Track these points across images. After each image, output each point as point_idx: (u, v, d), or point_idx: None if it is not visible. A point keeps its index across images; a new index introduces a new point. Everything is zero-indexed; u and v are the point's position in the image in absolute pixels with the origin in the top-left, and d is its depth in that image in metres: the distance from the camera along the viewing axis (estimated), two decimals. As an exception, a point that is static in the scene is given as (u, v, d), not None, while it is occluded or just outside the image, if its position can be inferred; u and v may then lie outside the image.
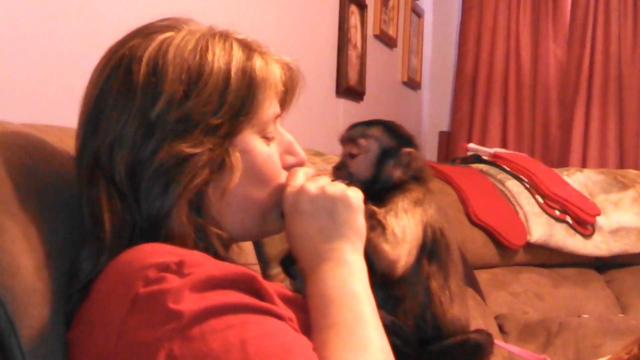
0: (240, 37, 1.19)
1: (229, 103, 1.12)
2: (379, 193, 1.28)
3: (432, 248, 1.32)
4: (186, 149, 1.08)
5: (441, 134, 5.55)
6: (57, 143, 1.22)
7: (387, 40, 4.54)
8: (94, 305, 1.02)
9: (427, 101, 5.65)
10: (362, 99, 4.14)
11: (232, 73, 1.13)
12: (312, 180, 1.17)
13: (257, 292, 1.00)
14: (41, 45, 1.82)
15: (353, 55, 3.90)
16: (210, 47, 1.14)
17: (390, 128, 1.41)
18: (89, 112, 1.12)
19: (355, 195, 1.16)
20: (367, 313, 1.04)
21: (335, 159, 2.26)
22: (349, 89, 3.87)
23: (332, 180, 1.19)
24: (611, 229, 3.53)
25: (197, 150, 1.08)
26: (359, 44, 3.99)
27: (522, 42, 5.34)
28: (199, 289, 0.95)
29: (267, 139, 1.18)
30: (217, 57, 1.13)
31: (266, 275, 1.66)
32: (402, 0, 4.78)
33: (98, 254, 1.08)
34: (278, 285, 1.22)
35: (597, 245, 3.45)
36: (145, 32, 1.15)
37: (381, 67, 4.51)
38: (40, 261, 1.07)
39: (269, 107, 1.17)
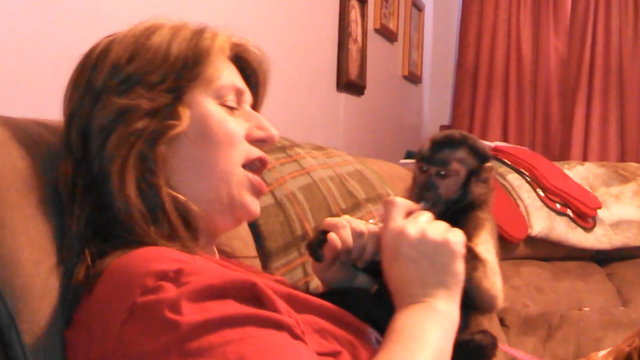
0: (202, 25, 1.23)
1: (170, 62, 1.15)
2: (454, 214, 1.28)
3: None
4: (124, 100, 1.11)
5: (442, 128, 5.55)
6: (57, 138, 1.22)
7: (388, 35, 4.54)
8: (92, 309, 1.01)
9: (427, 95, 5.65)
10: (362, 93, 4.14)
11: (177, 39, 1.17)
12: (413, 221, 1.14)
13: (259, 299, 0.98)
14: (51, 42, 1.82)
15: (353, 49, 3.90)
16: (159, 28, 1.18)
17: (473, 147, 1.40)
18: (64, 110, 1.18)
19: (457, 240, 1.13)
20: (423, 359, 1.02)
21: (337, 153, 2.27)
22: (350, 83, 3.87)
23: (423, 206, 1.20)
24: (612, 222, 3.53)
25: (133, 102, 1.11)
26: (359, 38, 3.99)
27: (522, 36, 5.34)
28: (196, 299, 0.94)
29: (228, 107, 1.19)
30: (165, 31, 1.18)
31: (267, 269, 1.66)
32: (402, -6, 4.78)
33: (68, 231, 1.09)
34: (280, 280, 1.21)
35: (598, 239, 3.45)
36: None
37: (382, 62, 4.51)
38: (39, 256, 1.07)
39: (219, 70, 1.19)
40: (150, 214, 1.09)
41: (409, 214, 1.18)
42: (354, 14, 3.89)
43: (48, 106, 1.41)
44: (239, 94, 1.22)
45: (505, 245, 3.20)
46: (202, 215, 1.16)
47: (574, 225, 3.39)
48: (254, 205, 1.23)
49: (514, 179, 3.39)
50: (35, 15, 1.81)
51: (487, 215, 1.35)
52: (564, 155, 5.10)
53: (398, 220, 1.15)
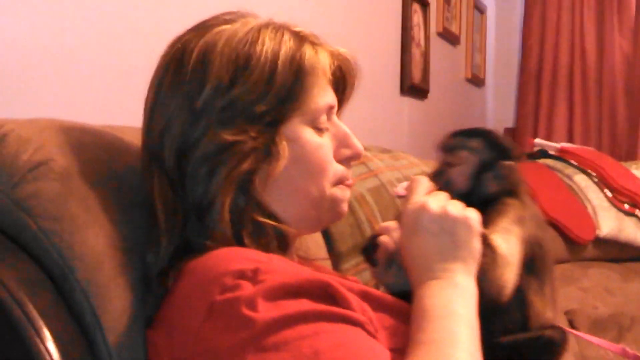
0: (296, 29, 1.20)
1: (274, 91, 1.12)
2: (474, 206, 1.28)
3: (530, 263, 1.31)
4: (228, 136, 1.09)
5: (506, 130, 5.51)
6: (135, 143, 1.25)
7: (450, 38, 4.53)
8: (173, 308, 1.04)
9: (491, 98, 5.61)
10: (426, 97, 4.14)
11: (280, 61, 1.13)
12: (434, 198, 1.16)
13: (333, 297, 1.00)
14: (120, 50, 1.87)
15: (416, 53, 3.90)
16: (260, 37, 1.14)
17: (490, 139, 1.39)
18: (148, 104, 1.16)
19: (475, 217, 1.15)
20: (463, 335, 1.02)
21: (404, 156, 2.28)
22: (413, 87, 3.87)
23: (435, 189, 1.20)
24: (681, 223, 3.47)
25: (239, 138, 1.10)
26: (422, 42, 3.99)
27: (586, 35, 5.28)
28: (272, 297, 0.96)
29: (319, 129, 1.18)
30: (265, 46, 1.13)
31: (338, 270, 1.67)
32: (464, -3, 4.77)
33: (157, 242, 1.10)
34: (352, 280, 1.22)
35: (668, 239, 3.40)
36: (203, 26, 1.17)
37: (445, 65, 4.50)
38: (120, 256, 1.10)
39: (318, 95, 1.17)
40: (247, 238, 1.11)
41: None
42: (417, 18, 3.90)
43: (123, 113, 1.45)
44: (330, 110, 1.21)
45: (573, 247, 3.17)
46: (293, 231, 1.18)
47: (643, 225, 3.35)
48: (343, 212, 1.25)
49: (581, 180, 3.36)
50: (109, 24, 1.86)
51: (515, 201, 1.33)
52: (631, 155, 5.02)
53: (420, 196, 1.17)
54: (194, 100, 1.11)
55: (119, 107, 1.82)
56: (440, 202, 1.15)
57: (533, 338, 1.29)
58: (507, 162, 1.34)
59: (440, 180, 1.35)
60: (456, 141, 1.37)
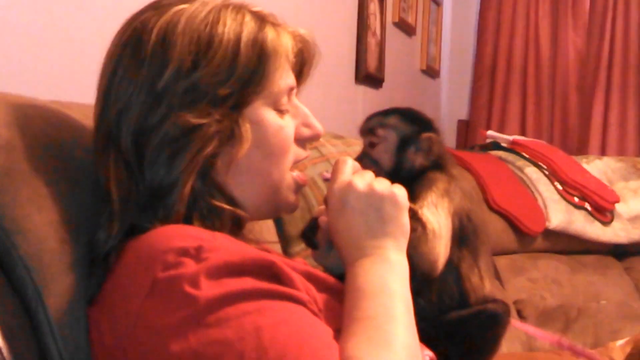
0: (255, 9, 1.19)
1: (238, 74, 1.11)
2: (403, 183, 1.29)
3: (460, 235, 1.32)
4: (193, 119, 1.08)
5: (460, 122, 5.55)
6: (83, 120, 1.23)
7: (406, 28, 4.54)
8: (115, 286, 1.03)
9: (445, 89, 5.64)
10: (381, 86, 4.14)
11: (242, 44, 1.12)
12: (360, 176, 1.16)
13: (277, 276, 0.99)
14: (65, 24, 1.84)
15: (372, 42, 3.90)
16: (221, 18, 1.13)
17: (407, 115, 1.40)
18: (103, 83, 1.13)
19: (402, 193, 1.15)
20: (398, 310, 1.03)
21: (356, 142, 2.28)
22: (368, 76, 3.88)
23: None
24: (630, 217, 3.52)
25: (203, 121, 1.09)
26: (378, 32, 3.99)
27: (541, 31, 5.33)
28: (214, 275, 0.95)
29: (280, 111, 1.18)
30: (227, 27, 1.12)
31: (287, 254, 1.67)
32: (421, -12, 4.78)
33: (109, 223, 1.08)
34: (300, 262, 1.22)
35: (616, 233, 3.44)
36: (160, 5, 1.15)
37: (400, 55, 4.51)
38: (64, 232, 1.09)
39: (281, 78, 1.17)
40: (201, 223, 1.10)
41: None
42: (373, 7, 3.90)
43: (69, 89, 1.43)
44: (290, 92, 1.20)
45: (523, 238, 3.20)
46: (248, 216, 1.17)
47: (591, 219, 3.38)
48: (296, 201, 1.25)
49: (532, 172, 3.38)
50: None
51: (441, 174, 1.34)
52: (582, 149, 5.09)
53: (347, 175, 1.16)
54: (154, 83, 1.09)
55: (65, 82, 1.79)
56: (366, 180, 1.15)
57: (476, 313, 1.30)
58: (427, 134, 1.36)
59: (366, 161, 1.36)
60: (374, 121, 1.39)
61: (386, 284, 1.06)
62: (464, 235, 1.32)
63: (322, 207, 1.31)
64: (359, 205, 1.13)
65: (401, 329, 1.00)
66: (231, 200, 1.14)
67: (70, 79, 1.80)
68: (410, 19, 4.57)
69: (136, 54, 1.11)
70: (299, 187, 1.24)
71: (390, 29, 4.27)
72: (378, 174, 1.19)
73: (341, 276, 1.19)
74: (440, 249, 1.25)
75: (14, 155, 1.07)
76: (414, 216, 1.21)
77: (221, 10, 1.14)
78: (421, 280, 1.23)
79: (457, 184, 1.35)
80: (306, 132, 1.23)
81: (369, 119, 1.42)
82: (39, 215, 1.06)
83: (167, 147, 1.08)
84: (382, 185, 1.14)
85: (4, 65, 1.67)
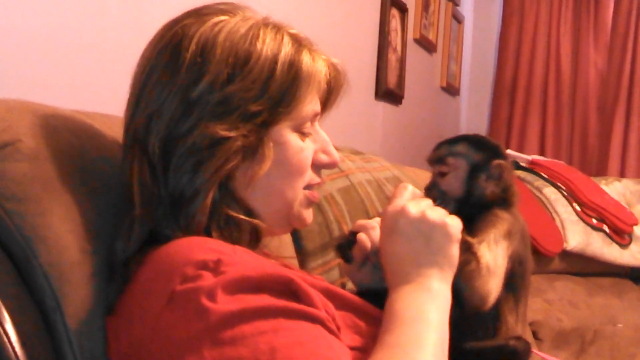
0: (292, 31, 1.19)
1: (270, 93, 1.12)
2: (470, 212, 1.28)
3: (510, 279, 1.31)
4: (221, 131, 1.09)
5: (478, 140, 5.53)
6: (106, 130, 1.24)
7: (427, 45, 4.54)
8: (134, 296, 1.04)
9: (465, 107, 5.63)
10: (400, 103, 4.14)
11: (279, 64, 1.13)
12: (415, 202, 1.16)
13: (295, 293, 0.99)
14: (90, 34, 1.85)
15: (393, 58, 3.91)
16: (261, 35, 1.14)
17: (475, 142, 1.38)
18: (136, 86, 1.14)
19: (455, 224, 1.15)
20: (430, 340, 1.02)
21: (375, 159, 2.28)
22: (388, 92, 3.88)
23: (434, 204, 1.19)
24: (649, 240, 3.51)
25: (232, 134, 1.09)
26: (398, 48, 4.00)
27: (562, 50, 5.31)
28: (232, 290, 0.95)
29: (302, 134, 1.18)
30: (266, 45, 1.13)
31: (304, 269, 1.67)
32: (442, 6, 4.78)
33: (130, 229, 1.09)
34: (319, 279, 1.22)
35: (633, 255, 3.43)
36: (200, 13, 1.16)
37: (420, 72, 4.51)
38: (84, 242, 1.09)
39: (310, 103, 1.17)
40: (219, 233, 1.11)
41: None
42: (394, 23, 3.90)
43: (94, 99, 1.44)
44: (314, 117, 1.21)
45: (540, 259, 3.19)
46: (265, 226, 1.18)
47: (609, 241, 3.37)
48: (309, 216, 1.25)
49: (550, 192, 3.37)
50: (85, 11, 1.84)
51: (508, 215, 1.33)
52: (601, 170, 5.06)
53: (403, 199, 1.17)
54: (188, 91, 1.09)
55: (89, 92, 1.80)
56: (420, 207, 1.15)
57: (498, 346, 1.30)
58: (497, 161, 1.35)
59: (434, 191, 1.35)
60: (442, 150, 1.38)
61: (423, 313, 1.06)
62: (512, 280, 1.31)
63: (361, 221, 1.31)
64: (409, 231, 1.13)
65: (428, 359, 1.00)
66: (249, 212, 1.14)
67: (93, 89, 1.81)
68: (431, 36, 4.57)
69: (174, 60, 1.11)
70: (310, 204, 1.24)
71: (411, 46, 4.27)
72: (447, 203, 1.19)
73: (368, 292, 1.19)
74: (493, 286, 1.24)
75: (37, 164, 1.08)
76: (469, 249, 1.21)
77: (261, 28, 1.15)
78: (470, 314, 1.23)
79: (519, 227, 1.34)
80: (324, 158, 1.23)
81: (438, 147, 1.40)
82: (60, 224, 1.07)
83: (193, 156, 1.09)
84: (436, 213, 1.14)
85: (29, 74, 1.68)
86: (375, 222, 1.30)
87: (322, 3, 3.20)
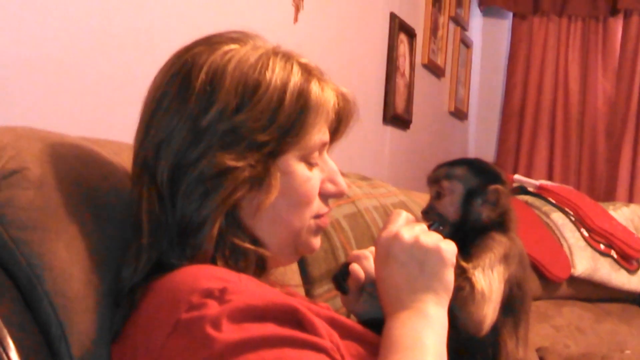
0: (302, 60, 1.19)
1: (279, 122, 1.12)
2: (467, 235, 1.28)
3: (508, 302, 1.31)
4: (229, 161, 1.09)
5: (487, 165, 5.52)
6: (113, 157, 1.25)
7: (435, 70, 4.55)
8: (139, 324, 1.04)
9: (473, 132, 5.63)
10: (408, 128, 4.15)
11: (288, 93, 1.13)
12: (408, 227, 1.16)
13: (300, 322, 0.99)
14: (96, 60, 1.86)
15: (401, 83, 3.92)
16: (270, 65, 1.14)
17: (474, 166, 1.39)
18: (146, 113, 1.14)
19: (449, 248, 1.15)
20: None
21: (382, 185, 2.29)
22: (396, 117, 3.89)
23: (428, 227, 1.19)
24: (657, 265, 3.49)
25: (239, 164, 1.09)
26: (407, 73, 4.01)
27: (570, 76, 5.31)
28: (237, 318, 0.96)
29: (309, 164, 1.18)
30: (275, 75, 1.13)
31: (310, 295, 1.67)
32: (451, 31, 4.80)
33: (137, 257, 1.09)
34: (324, 307, 1.22)
35: (642, 281, 3.42)
36: (211, 42, 1.16)
37: (428, 97, 4.52)
38: (90, 270, 1.09)
39: (318, 133, 1.17)
40: (225, 262, 1.11)
41: None
42: (403, 48, 3.92)
43: (103, 126, 1.45)
44: (323, 147, 1.21)
45: (548, 285, 3.18)
46: (272, 255, 1.18)
47: (617, 266, 3.36)
48: (317, 242, 1.25)
49: (558, 218, 3.37)
50: (92, 37, 1.86)
51: (504, 239, 1.33)
52: (609, 196, 5.05)
53: (397, 225, 1.17)
54: (198, 119, 1.10)
55: (95, 119, 1.81)
56: (413, 232, 1.15)
57: None
58: (494, 186, 1.35)
59: (432, 214, 1.35)
60: (441, 172, 1.38)
61: (420, 339, 1.06)
62: (511, 304, 1.31)
63: (355, 252, 1.31)
64: (402, 257, 1.13)
65: None
66: (255, 241, 1.14)
67: (100, 116, 1.82)
68: (439, 61, 4.58)
69: (184, 88, 1.11)
70: (319, 231, 1.24)
71: (419, 71, 4.29)
72: (443, 226, 1.19)
73: (369, 322, 1.19)
74: (488, 311, 1.24)
75: (43, 192, 1.08)
76: (462, 274, 1.21)
77: (271, 57, 1.15)
78: (465, 339, 1.23)
79: (516, 250, 1.34)
80: (331, 188, 1.23)
81: (437, 169, 1.41)
82: (66, 252, 1.07)
83: (201, 185, 1.09)
84: (429, 238, 1.14)
85: (35, 101, 1.69)
86: (369, 252, 1.31)
87: (332, 29, 3.22)
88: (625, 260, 3.39)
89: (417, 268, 1.12)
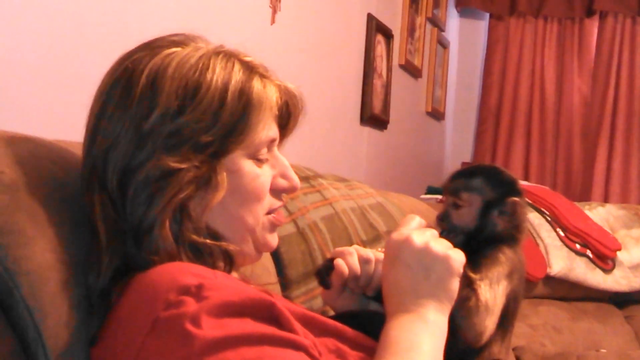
0: (246, 58, 1.20)
1: (221, 123, 1.13)
2: (478, 244, 1.28)
3: (503, 314, 1.32)
4: (173, 163, 1.09)
5: (464, 164, 5.55)
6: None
7: (412, 71, 4.57)
8: (117, 324, 1.04)
9: (450, 132, 5.66)
10: (385, 128, 4.16)
11: (229, 93, 1.13)
12: (420, 232, 1.17)
13: (276, 318, 1.00)
14: (72, 62, 1.85)
15: (378, 84, 3.93)
16: (211, 65, 1.14)
17: (491, 177, 1.39)
18: (92, 120, 1.15)
19: (457, 257, 1.16)
20: None
21: (359, 186, 2.29)
22: (373, 118, 3.90)
23: (439, 234, 1.20)
24: (632, 265, 3.51)
25: (183, 166, 1.09)
26: (384, 73, 4.02)
27: (546, 76, 5.35)
28: (215, 314, 0.96)
29: (258, 160, 1.19)
30: (216, 75, 1.14)
31: (287, 297, 1.67)
32: (428, 31, 4.81)
33: (98, 262, 1.09)
34: (297, 306, 1.23)
35: (617, 280, 3.43)
36: (152, 46, 1.17)
37: (406, 97, 4.54)
38: (66, 273, 1.09)
39: (263, 130, 1.17)
40: (188, 251, 1.12)
41: None
42: (380, 49, 3.93)
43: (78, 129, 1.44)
44: (271, 143, 1.21)
45: (524, 284, 3.18)
46: (237, 248, 1.18)
47: (593, 266, 3.37)
48: (274, 240, 1.26)
49: (534, 218, 3.38)
50: (66, 40, 1.85)
51: (513, 254, 1.34)
52: (584, 196, 5.09)
53: (408, 229, 1.18)
54: (141, 123, 1.10)
55: (71, 121, 1.81)
56: (424, 237, 1.16)
57: None
58: (512, 199, 1.35)
59: (447, 222, 1.36)
60: (458, 183, 1.38)
61: (417, 343, 1.07)
62: (504, 316, 1.32)
63: (340, 248, 1.32)
64: (410, 261, 1.14)
65: None
66: (215, 237, 1.15)
67: (76, 118, 1.81)
68: (416, 62, 4.60)
69: (126, 94, 1.12)
70: (275, 227, 1.25)
71: (397, 71, 4.30)
72: (456, 234, 1.19)
73: (346, 315, 1.20)
74: (489, 324, 1.25)
75: (18, 196, 1.08)
76: (470, 285, 1.22)
77: (211, 58, 1.16)
78: (463, 348, 1.24)
79: (520, 265, 1.35)
80: (283, 183, 1.24)
81: (454, 178, 1.40)
82: (41, 256, 1.06)
83: (147, 188, 1.10)
84: (440, 245, 1.15)
85: (10, 104, 1.68)
86: (353, 249, 1.31)
87: (309, 30, 3.22)
88: (601, 260, 3.41)
89: (423, 273, 1.13)
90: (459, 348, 1.26)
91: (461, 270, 1.16)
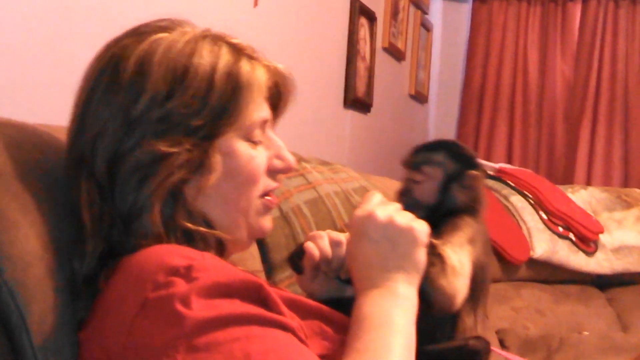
0: (233, 41, 1.20)
1: (211, 105, 1.12)
2: (439, 217, 1.29)
3: (471, 284, 1.32)
4: (163, 147, 1.09)
5: (446, 147, 5.55)
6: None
7: (396, 53, 4.56)
8: (105, 306, 1.04)
9: (433, 115, 5.66)
10: (369, 111, 4.16)
11: (217, 76, 1.13)
12: (383, 207, 1.17)
13: (264, 300, 1.00)
14: (58, 48, 1.84)
15: (361, 67, 3.92)
16: (197, 49, 1.14)
17: (453, 151, 1.40)
18: (79, 107, 1.14)
19: (421, 228, 1.16)
20: (397, 345, 1.04)
21: (343, 170, 2.29)
22: (357, 101, 3.89)
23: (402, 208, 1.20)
24: (614, 247, 3.54)
25: (174, 150, 1.09)
26: (367, 56, 4.02)
27: (529, 59, 5.36)
28: (205, 295, 0.96)
29: (252, 142, 1.19)
30: (203, 59, 1.14)
31: (271, 281, 1.67)
32: (411, 14, 4.81)
33: (83, 248, 1.09)
34: (282, 290, 1.23)
35: (599, 263, 3.46)
36: (139, 32, 1.17)
37: (389, 80, 4.53)
38: (51, 258, 1.09)
39: (255, 110, 1.17)
40: (178, 236, 1.12)
41: None
42: (363, 32, 3.92)
43: (61, 113, 1.43)
44: (264, 124, 1.21)
45: (507, 267, 3.21)
46: (228, 237, 1.18)
47: (575, 249, 3.40)
48: (267, 223, 1.25)
49: (517, 201, 3.40)
50: (50, 22, 1.83)
51: (473, 221, 1.35)
52: (567, 179, 5.11)
53: (371, 205, 1.18)
54: (129, 109, 1.10)
55: (54, 105, 1.79)
56: (387, 211, 1.16)
57: (457, 347, 1.31)
58: (472, 172, 1.36)
59: (408, 197, 1.36)
60: (420, 157, 1.39)
61: (389, 317, 1.07)
62: (472, 286, 1.32)
63: (312, 233, 1.32)
64: (375, 235, 1.14)
65: None
66: (208, 224, 1.15)
67: (60, 102, 1.80)
68: (400, 45, 4.59)
69: (113, 80, 1.12)
70: (268, 210, 1.25)
71: (380, 54, 4.29)
72: (417, 208, 1.20)
73: (329, 302, 1.20)
74: (459, 285, 1.26)
75: (2, 181, 1.07)
76: (433, 251, 1.22)
77: (198, 42, 1.16)
78: (438, 317, 1.24)
79: (482, 234, 1.36)
80: (278, 164, 1.24)
81: (415, 153, 1.41)
82: (25, 241, 1.06)
83: (137, 173, 1.10)
84: (403, 218, 1.16)
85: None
86: (324, 232, 1.32)
87: (291, 12, 3.21)
88: (583, 243, 3.43)
89: (389, 247, 1.14)
90: (435, 319, 1.26)
91: (426, 240, 1.17)
